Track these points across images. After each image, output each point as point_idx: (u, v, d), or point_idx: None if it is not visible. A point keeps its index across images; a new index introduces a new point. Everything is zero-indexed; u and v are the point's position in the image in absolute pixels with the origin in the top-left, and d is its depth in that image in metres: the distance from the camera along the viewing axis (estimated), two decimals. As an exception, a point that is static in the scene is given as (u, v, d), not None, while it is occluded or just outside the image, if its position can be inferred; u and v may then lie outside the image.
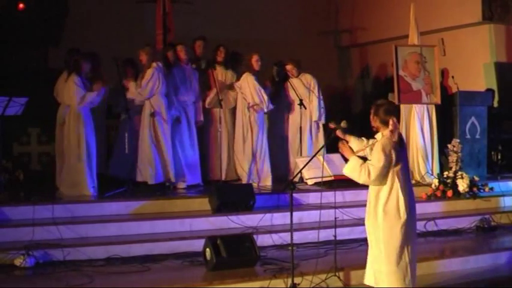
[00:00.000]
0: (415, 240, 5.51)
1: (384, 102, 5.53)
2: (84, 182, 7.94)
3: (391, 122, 5.33)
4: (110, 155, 9.01)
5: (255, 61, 8.98)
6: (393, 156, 5.26)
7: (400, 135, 5.45)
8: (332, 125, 5.71)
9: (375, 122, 5.42)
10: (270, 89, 9.27)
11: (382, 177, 5.27)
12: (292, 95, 9.29)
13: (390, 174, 5.30)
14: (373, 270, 5.48)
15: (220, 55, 9.23)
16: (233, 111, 9.22)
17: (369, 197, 5.49)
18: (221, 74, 9.24)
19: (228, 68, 9.30)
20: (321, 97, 9.41)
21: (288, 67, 9.39)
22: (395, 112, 5.48)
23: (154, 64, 8.38)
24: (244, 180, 8.79)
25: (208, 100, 9.10)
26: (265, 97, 8.84)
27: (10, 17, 10.39)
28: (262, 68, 9.10)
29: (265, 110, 8.94)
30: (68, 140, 7.98)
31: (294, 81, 9.36)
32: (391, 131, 5.34)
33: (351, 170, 5.35)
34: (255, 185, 8.62)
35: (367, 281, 5.56)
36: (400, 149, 5.34)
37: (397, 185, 5.31)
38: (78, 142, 7.93)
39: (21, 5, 10.44)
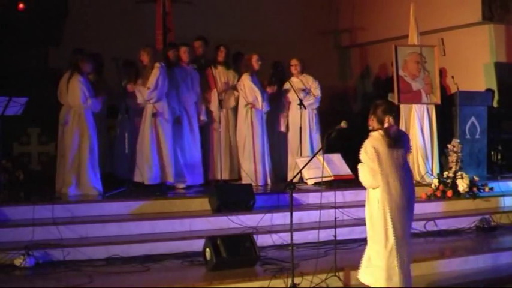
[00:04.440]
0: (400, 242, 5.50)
1: (383, 102, 5.62)
2: (87, 182, 7.95)
3: (386, 120, 5.42)
4: (110, 155, 9.00)
5: (255, 61, 9.00)
6: (374, 155, 5.36)
7: (392, 135, 5.44)
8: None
9: (372, 122, 5.50)
10: (267, 91, 9.26)
11: (371, 177, 5.41)
12: (291, 95, 9.29)
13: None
14: None
15: (221, 55, 9.22)
16: (234, 111, 9.22)
17: None
18: (223, 74, 9.23)
19: (229, 68, 9.29)
20: (318, 97, 9.41)
21: (293, 61, 9.41)
22: (393, 112, 5.53)
23: (158, 64, 8.37)
24: (245, 180, 8.79)
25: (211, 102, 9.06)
26: (259, 98, 8.86)
27: (10, 17, 10.39)
28: (262, 68, 9.13)
29: (262, 110, 8.94)
30: (71, 140, 7.97)
31: (294, 80, 9.36)
32: (385, 129, 5.41)
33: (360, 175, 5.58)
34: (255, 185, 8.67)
35: None
36: (391, 147, 5.39)
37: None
38: (80, 142, 7.93)
39: (21, 5, 10.44)
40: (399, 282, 5.41)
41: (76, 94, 7.92)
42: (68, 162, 7.97)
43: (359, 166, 5.56)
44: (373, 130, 5.49)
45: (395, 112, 5.57)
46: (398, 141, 5.46)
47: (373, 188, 5.47)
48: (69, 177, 7.94)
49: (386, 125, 5.42)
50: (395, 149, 5.44)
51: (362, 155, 5.44)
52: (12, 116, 7.63)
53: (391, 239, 5.41)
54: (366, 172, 5.45)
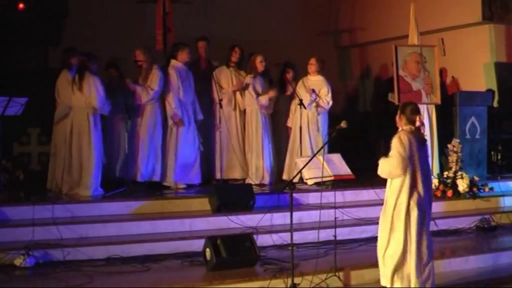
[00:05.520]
0: (417, 240, 5.53)
1: (410, 103, 5.86)
2: (89, 182, 7.95)
3: (417, 119, 5.63)
4: (109, 155, 8.99)
5: (259, 62, 9.03)
6: (408, 145, 5.48)
7: (420, 134, 5.67)
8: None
9: (400, 121, 5.68)
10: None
11: (396, 164, 5.44)
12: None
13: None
14: None
15: (235, 55, 9.21)
16: (242, 110, 9.23)
17: None
18: (234, 74, 9.22)
19: (241, 69, 9.29)
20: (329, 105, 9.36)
21: (312, 60, 9.39)
22: (420, 112, 5.77)
23: (155, 66, 8.45)
24: (247, 180, 8.80)
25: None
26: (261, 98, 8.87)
27: (10, 17, 10.39)
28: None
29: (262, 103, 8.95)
30: (75, 140, 7.95)
31: (308, 78, 9.36)
32: (417, 128, 5.63)
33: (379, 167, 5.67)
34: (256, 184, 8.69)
35: None
36: (417, 146, 5.55)
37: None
38: (83, 142, 7.92)
39: (21, 5, 10.44)
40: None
41: (94, 95, 7.89)
42: (94, 164, 7.90)
43: (381, 160, 5.61)
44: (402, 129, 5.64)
45: (420, 112, 5.79)
46: (425, 141, 5.70)
47: (395, 177, 5.51)
48: (96, 179, 7.91)
49: (418, 124, 5.62)
50: (423, 147, 5.63)
51: (395, 143, 5.50)
52: (12, 116, 7.63)
53: (394, 235, 5.55)
54: (391, 161, 5.48)
